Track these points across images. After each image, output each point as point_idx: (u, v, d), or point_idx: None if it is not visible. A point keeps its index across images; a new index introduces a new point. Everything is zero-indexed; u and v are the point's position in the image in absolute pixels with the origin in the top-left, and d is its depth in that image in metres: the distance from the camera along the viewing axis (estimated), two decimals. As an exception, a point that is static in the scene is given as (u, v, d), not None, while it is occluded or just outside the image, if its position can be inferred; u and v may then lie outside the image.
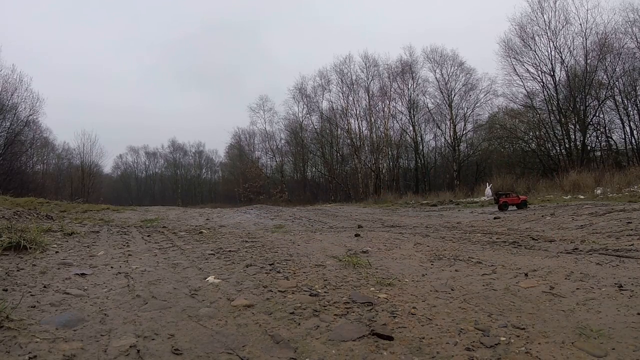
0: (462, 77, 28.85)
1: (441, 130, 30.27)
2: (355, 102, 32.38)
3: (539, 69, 23.12)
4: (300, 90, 34.34)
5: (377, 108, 31.65)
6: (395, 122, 31.27)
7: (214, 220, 9.29)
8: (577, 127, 21.77)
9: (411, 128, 30.81)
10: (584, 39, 21.51)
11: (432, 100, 30.01)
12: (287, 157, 38.45)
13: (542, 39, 22.92)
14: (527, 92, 23.73)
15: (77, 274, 2.32)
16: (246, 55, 78.90)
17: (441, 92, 29.33)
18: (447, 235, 4.72)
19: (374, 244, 3.89)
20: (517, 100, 24.50)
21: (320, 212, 12.59)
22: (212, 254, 3.19)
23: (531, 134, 24.14)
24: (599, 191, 12.63)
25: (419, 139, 30.93)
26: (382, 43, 64.77)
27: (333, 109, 33.67)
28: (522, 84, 23.85)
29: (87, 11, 76.05)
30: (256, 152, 41.25)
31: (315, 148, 35.52)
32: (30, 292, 1.90)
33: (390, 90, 30.89)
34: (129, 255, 3.09)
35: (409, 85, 30.37)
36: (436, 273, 2.54)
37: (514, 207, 10.16)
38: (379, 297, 1.96)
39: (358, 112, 32.43)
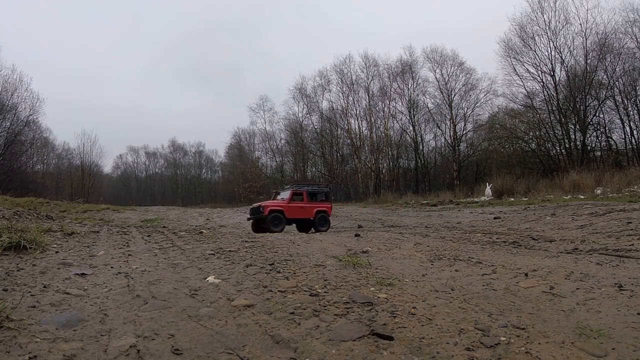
0: (462, 77, 28.87)
1: (441, 130, 30.27)
2: (355, 102, 32.40)
3: (539, 69, 23.13)
4: (300, 90, 34.36)
5: (377, 108, 31.67)
6: (395, 122, 31.29)
7: (214, 220, 9.29)
8: (577, 127, 21.77)
9: (411, 128, 30.82)
10: (584, 39, 21.52)
11: (432, 100, 30.03)
12: (287, 157, 38.46)
13: (542, 39, 22.93)
14: (527, 92, 23.73)
15: (77, 274, 2.32)
16: (246, 55, 78.92)
17: (441, 92, 29.34)
18: (447, 235, 4.72)
19: (374, 244, 3.89)
20: (517, 100, 24.51)
21: (320, 212, 12.58)
22: (212, 254, 3.19)
23: (531, 134, 24.13)
24: (599, 191, 12.62)
25: (419, 139, 30.93)
26: (382, 43, 64.77)
27: (333, 109, 33.70)
28: (522, 84, 23.86)
29: (87, 11, 76.00)
30: (256, 152, 41.26)
31: (315, 148, 35.52)
32: (30, 292, 1.90)
33: (390, 90, 30.91)
34: (129, 255, 3.09)
35: (409, 85, 30.39)
36: (436, 273, 2.54)
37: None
38: (379, 297, 1.95)
39: (358, 112, 32.46)
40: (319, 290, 2.08)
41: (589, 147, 21.61)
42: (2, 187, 19.27)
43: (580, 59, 21.87)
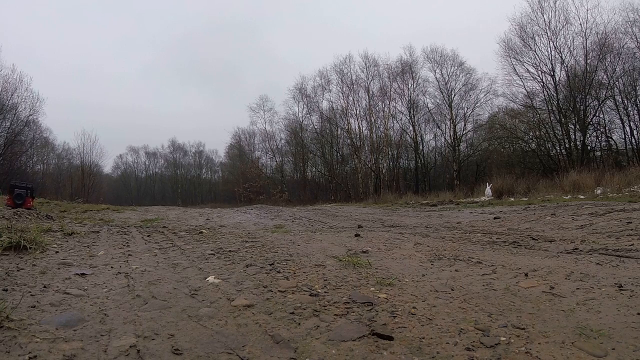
0: (462, 77, 28.91)
1: (441, 130, 30.30)
2: (355, 102, 32.41)
3: (539, 69, 23.14)
4: (300, 90, 34.40)
5: (377, 108, 31.67)
6: (395, 122, 31.31)
7: (214, 220, 9.29)
8: (577, 127, 21.77)
9: (411, 128, 30.85)
10: (584, 39, 21.53)
11: (432, 100, 30.07)
12: (287, 157, 38.48)
13: (542, 39, 22.95)
14: (527, 92, 23.74)
15: (77, 274, 2.32)
16: (246, 55, 79.19)
17: (441, 92, 29.36)
18: (447, 235, 4.72)
19: (374, 244, 3.89)
20: (517, 100, 24.52)
21: (320, 212, 12.58)
22: (212, 254, 3.19)
23: (531, 134, 24.14)
24: (599, 191, 12.62)
25: (419, 139, 30.96)
26: (382, 43, 64.94)
27: (333, 109, 33.71)
28: (522, 84, 23.87)
29: (87, 11, 76.21)
30: (256, 152, 41.32)
31: (315, 148, 35.53)
32: (30, 292, 1.90)
33: (390, 90, 30.92)
34: (129, 255, 3.10)
35: (409, 85, 30.41)
36: (436, 273, 2.54)
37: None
38: (379, 297, 1.95)
39: (358, 112, 32.46)
40: (319, 290, 2.08)
41: (589, 147, 21.62)
42: (2, 187, 19.26)
43: (580, 59, 21.90)
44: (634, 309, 1.69)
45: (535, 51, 23.16)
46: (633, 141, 20.87)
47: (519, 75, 23.73)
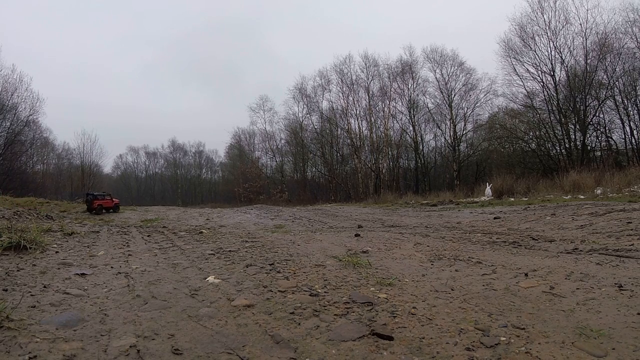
0: (462, 77, 28.90)
1: (441, 130, 30.30)
2: (355, 102, 32.40)
3: (539, 69, 23.12)
4: (300, 90, 34.39)
5: (377, 108, 31.67)
6: (395, 122, 31.30)
7: (214, 220, 9.29)
8: (577, 127, 21.77)
9: (411, 128, 30.85)
10: (584, 39, 21.52)
11: (432, 100, 30.05)
12: (287, 157, 38.49)
13: (542, 39, 22.93)
14: (527, 92, 23.73)
15: (77, 274, 2.32)
16: (246, 54, 79.27)
17: (441, 92, 29.36)
18: (447, 235, 4.72)
19: (374, 244, 3.89)
20: (517, 100, 24.50)
21: (320, 212, 12.58)
22: (212, 254, 3.19)
23: (531, 134, 24.13)
24: (599, 191, 12.62)
25: (419, 139, 30.95)
26: (382, 43, 64.89)
27: (333, 109, 33.71)
28: (522, 84, 23.86)
29: (87, 11, 76.19)
30: (256, 152, 41.33)
31: (315, 148, 35.52)
32: (30, 292, 1.90)
33: (390, 90, 30.91)
34: (129, 255, 3.10)
35: (409, 85, 30.41)
36: (436, 273, 2.54)
37: (110, 210, 11.86)
38: (379, 297, 1.96)
39: (358, 112, 32.45)
40: (319, 290, 2.08)
41: (589, 147, 21.62)
42: (2, 187, 19.31)
43: (580, 59, 21.88)
44: (634, 309, 1.69)
45: (535, 51, 23.17)
46: (633, 141, 20.88)
47: (519, 75, 23.74)
